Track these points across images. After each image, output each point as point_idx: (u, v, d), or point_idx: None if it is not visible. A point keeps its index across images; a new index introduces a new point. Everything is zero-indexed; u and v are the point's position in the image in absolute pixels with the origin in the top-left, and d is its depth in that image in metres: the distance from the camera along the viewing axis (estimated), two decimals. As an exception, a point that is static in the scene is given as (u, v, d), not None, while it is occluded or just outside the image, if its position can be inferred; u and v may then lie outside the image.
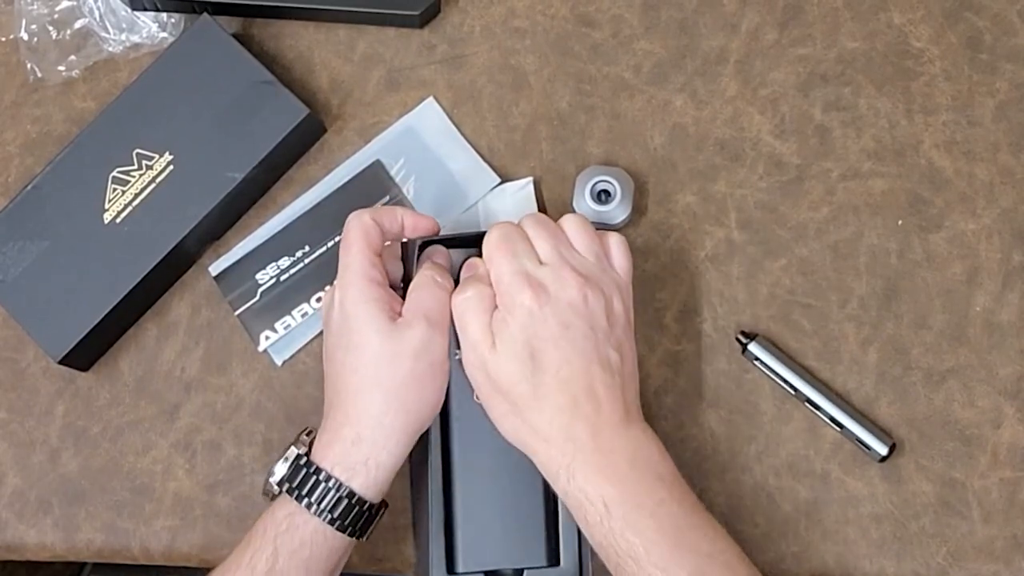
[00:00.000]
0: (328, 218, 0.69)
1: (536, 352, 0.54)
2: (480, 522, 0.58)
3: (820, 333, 0.65)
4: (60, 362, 0.66)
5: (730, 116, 0.68)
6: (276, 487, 0.56)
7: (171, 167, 0.68)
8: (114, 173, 0.68)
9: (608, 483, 0.52)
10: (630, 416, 0.55)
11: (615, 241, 0.59)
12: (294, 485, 0.55)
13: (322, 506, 0.54)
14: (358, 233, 0.58)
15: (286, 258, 0.69)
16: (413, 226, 0.61)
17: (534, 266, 0.56)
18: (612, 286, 0.57)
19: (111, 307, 0.66)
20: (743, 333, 0.64)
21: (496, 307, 0.56)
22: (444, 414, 0.59)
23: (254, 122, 0.67)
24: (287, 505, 0.55)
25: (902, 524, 0.62)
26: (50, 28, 0.73)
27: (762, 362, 0.63)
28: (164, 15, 0.72)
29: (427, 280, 0.58)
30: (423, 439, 0.58)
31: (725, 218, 0.67)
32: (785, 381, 0.63)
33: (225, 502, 0.66)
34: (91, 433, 0.68)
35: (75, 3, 0.72)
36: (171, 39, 0.72)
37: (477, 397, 0.57)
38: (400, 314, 0.57)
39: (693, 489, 0.63)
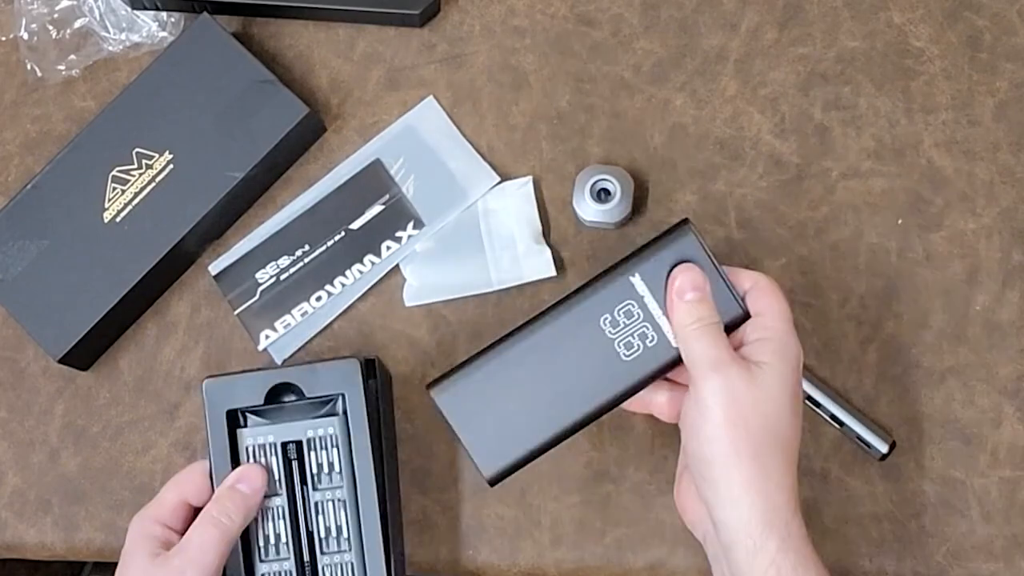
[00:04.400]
0: (328, 217, 0.69)
1: (796, 406, 0.52)
2: None
3: (820, 332, 0.65)
4: (60, 361, 0.66)
5: (730, 115, 0.68)
6: None
7: (171, 166, 0.68)
8: (114, 172, 0.68)
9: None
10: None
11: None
12: None
13: None
14: (184, 478, 0.58)
15: (286, 257, 0.69)
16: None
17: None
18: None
19: (111, 306, 0.66)
20: (743, 332, 0.64)
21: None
22: None
23: (254, 121, 0.67)
24: None
25: (902, 523, 0.62)
26: (50, 27, 0.73)
27: (762, 361, 0.63)
28: (164, 14, 0.72)
29: (206, 520, 0.55)
30: None
31: (725, 217, 0.67)
32: (785, 380, 0.63)
33: (225, 501, 0.66)
34: (91, 432, 0.68)
35: (75, 2, 0.72)
36: (171, 38, 0.72)
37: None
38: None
39: (693, 488, 0.63)
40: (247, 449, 0.58)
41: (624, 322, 0.55)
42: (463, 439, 0.55)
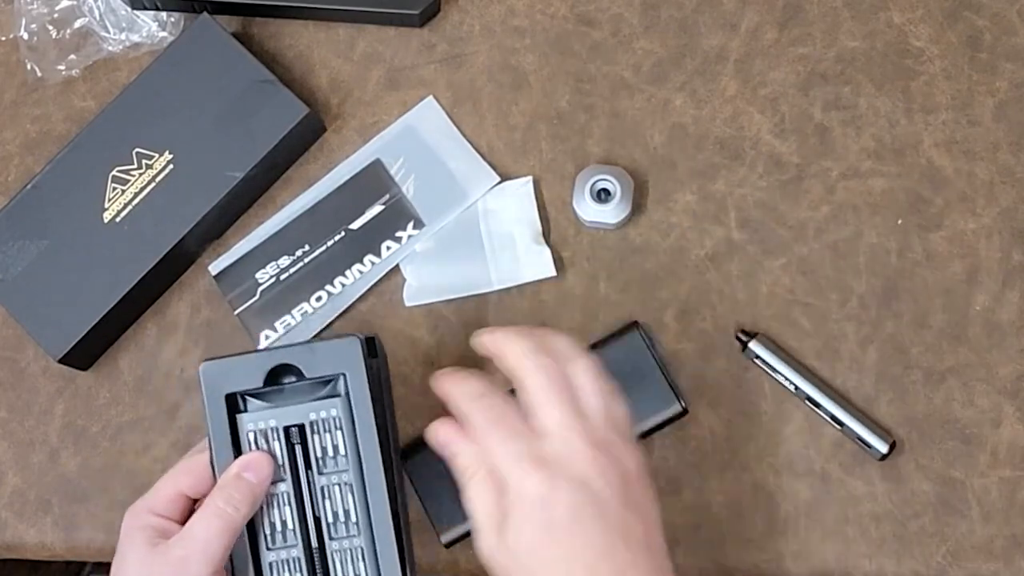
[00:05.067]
0: (328, 217, 0.69)
1: (553, 540, 0.49)
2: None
3: (820, 332, 0.65)
4: (60, 361, 0.66)
5: (730, 115, 0.68)
6: None
7: (171, 166, 0.68)
8: (114, 172, 0.68)
9: None
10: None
11: (608, 384, 0.53)
12: None
13: None
14: (181, 469, 0.56)
15: (286, 257, 0.69)
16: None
17: (539, 444, 0.50)
18: (619, 444, 0.51)
19: (111, 306, 0.66)
20: (743, 332, 0.64)
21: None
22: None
23: (254, 121, 0.67)
24: None
25: (902, 523, 0.62)
26: (50, 27, 0.73)
27: (762, 361, 0.63)
28: (164, 14, 0.72)
29: (210, 510, 0.54)
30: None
31: (725, 217, 0.67)
32: (785, 379, 0.63)
33: (225, 501, 0.66)
34: (91, 432, 0.68)
35: (75, 2, 0.72)
36: (171, 38, 0.72)
37: None
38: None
39: (692, 489, 0.63)
40: (248, 435, 0.57)
41: None
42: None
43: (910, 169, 0.67)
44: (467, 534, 0.61)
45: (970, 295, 0.65)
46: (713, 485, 0.63)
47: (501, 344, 0.53)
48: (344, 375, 0.57)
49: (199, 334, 0.69)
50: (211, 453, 0.56)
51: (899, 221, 0.66)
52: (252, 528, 0.56)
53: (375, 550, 0.56)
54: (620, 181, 0.66)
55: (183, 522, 0.54)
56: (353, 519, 0.57)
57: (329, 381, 0.58)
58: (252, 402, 0.58)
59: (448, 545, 0.63)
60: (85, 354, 0.68)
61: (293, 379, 0.58)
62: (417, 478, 0.63)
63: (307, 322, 0.68)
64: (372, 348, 0.61)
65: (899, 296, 0.65)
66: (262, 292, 0.68)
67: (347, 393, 0.57)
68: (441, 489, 0.62)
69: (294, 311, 0.68)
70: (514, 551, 0.49)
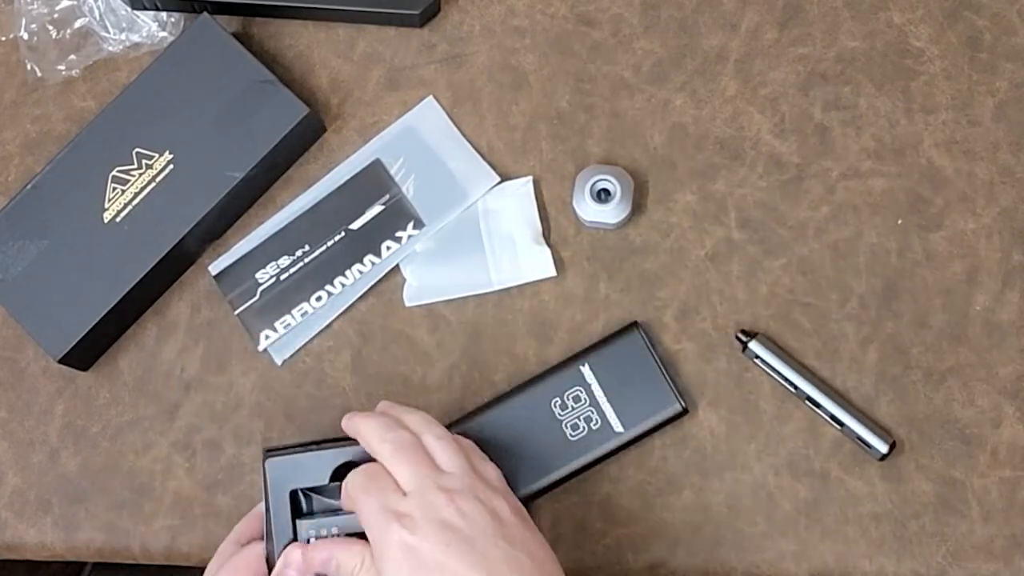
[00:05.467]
0: (328, 217, 0.69)
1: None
2: None
3: (820, 332, 0.65)
4: (60, 361, 0.66)
5: (730, 115, 0.68)
6: None
7: (171, 166, 0.68)
8: (114, 172, 0.68)
9: None
10: None
11: (469, 447, 0.57)
12: None
13: None
14: (240, 565, 0.57)
15: (286, 257, 0.69)
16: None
17: (398, 499, 0.52)
18: (488, 491, 0.54)
19: (111, 306, 0.66)
20: (743, 332, 0.64)
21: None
22: None
23: (254, 121, 0.67)
24: None
25: (902, 523, 0.62)
26: (50, 27, 0.73)
27: (762, 360, 0.63)
28: (164, 14, 0.72)
29: None
30: None
31: (725, 217, 0.67)
32: (785, 379, 0.63)
33: (225, 501, 0.66)
34: (91, 432, 0.68)
35: (75, 2, 0.72)
36: (171, 38, 0.72)
37: None
38: None
39: (692, 489, 0.63)
40: (310, 537, 0.56)
41: (572, 406, 0.63)
42: None
43: (910, 169, 0.67)
44: None
45: (970, 295, 0.65)
46: (713, 485, 0.63)
47: (357, 426, 0.57)
48: None
49: (199, 334, 0.69)
50: (270, 548, 0.56)
51: (899, 221, 0.66)
52: None
53: None
54: (620, 181, 0.66)
55: None
56: None
57: None
58: (316, 499, 0.57)
59: None
60: (85, 354, 0.68)
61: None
62: None
63: (307, 322, 0.68)
64: None
65: (899, 296, 0.65)
66: (262, 292, 0.68)
67: None
68: None
69: (294, 311, 0.68)
70: None
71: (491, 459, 0.57)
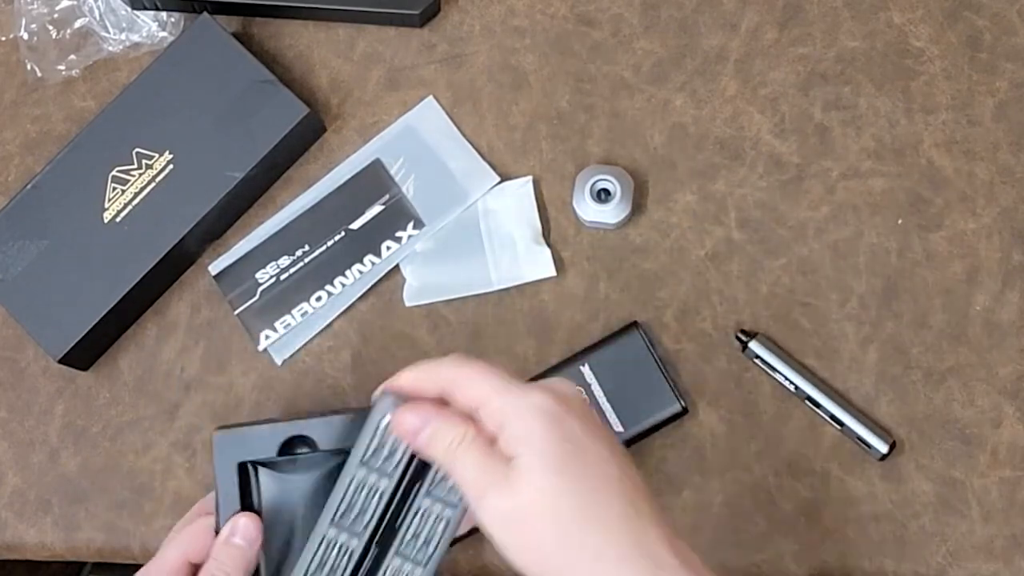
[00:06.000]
0: (328, 217, 0.69)
1: (573, 456, 0.45)
2: None
3: (820, 332, 0.65)
4: (60, 361, 0.66)
5: (730, 115, 0.68)
6: None
7: (171, 166, 0.68)
8: (114, 172, 0.68)
9: None
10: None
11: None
12: None
13: None
14: (186, 536, 0.55)
15: (286, 257, 0.69)
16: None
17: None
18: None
19: (111, 306, 0.66)
20: (743, 332, 0.64)
21: (491, 439, 0.47)
22: None
23: (254, 121, 0.67)
24: None
25: (902, 523, 0.62)
26: (50, 27, 0.73)
27: (762, 360, 0.63)
28: (164, 14, 0.72)
29: None
30: None
31: (725, 217, 0.67)
32: (785, 379, 0.63)
33: (225, 501, 0.66)
34: (91, 432, 0.68)
35: (75, 2, 0.72)
36: (171, 38, 0.72)
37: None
38: None
39: (692, 489, 0.63)
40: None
41: None
42: None
43: (910, 169, 0.67)
44: (466, 535, 0.61)
45: (970, 295, 0.65)
46: (713, 485, 0.63)
47: (404, 380, 0.51)
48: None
49: (199, 334, 0.69)
50: (217, 519, 0.56)
51: (899, 221, 0.66)
52: (330, 498, 0.54)
53: None
54: (620, 181, 0.66)
55: None
56: (429, 551, 0.54)
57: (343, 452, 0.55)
58: (263, 471, 0.57)
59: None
60: (85, 354, 0.68)
61: (306, 449, 0.56)
62: None
63: (307, 322, 0.68)
64: None
65: (899, 296, 0.65)
66: (262, 292, 0.68)
67: None
68: None
69: (294, 311, 0.68)
70: (540, 488, 0.45)
71: None
